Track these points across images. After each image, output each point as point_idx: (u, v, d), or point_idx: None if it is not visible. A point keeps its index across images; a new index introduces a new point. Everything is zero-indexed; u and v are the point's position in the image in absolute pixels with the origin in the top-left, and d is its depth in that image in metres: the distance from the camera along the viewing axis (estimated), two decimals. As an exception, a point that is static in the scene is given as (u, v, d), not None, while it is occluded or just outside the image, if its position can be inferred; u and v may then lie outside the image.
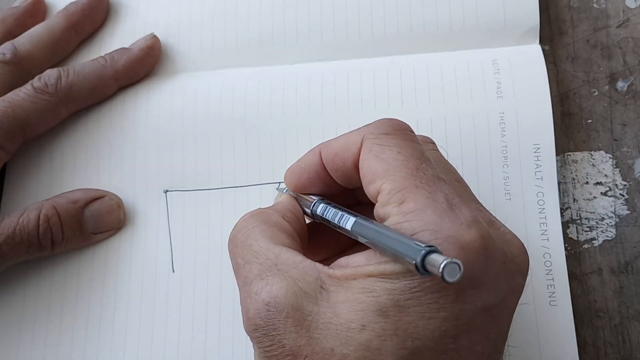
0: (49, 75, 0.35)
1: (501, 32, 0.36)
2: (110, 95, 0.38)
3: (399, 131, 0.25)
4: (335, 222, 0.25)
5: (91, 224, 0.34)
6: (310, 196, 0.28)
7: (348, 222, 0.25)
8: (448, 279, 0.19)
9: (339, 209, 0.26)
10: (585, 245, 0.33)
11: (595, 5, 0.36)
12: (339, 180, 0.27)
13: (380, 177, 0.23)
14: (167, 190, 0.36)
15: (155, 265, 0.34)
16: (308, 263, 0.23)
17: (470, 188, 0.27)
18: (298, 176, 0.28)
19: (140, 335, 0.33)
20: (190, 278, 0.34)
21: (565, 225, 0.33)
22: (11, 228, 0.32)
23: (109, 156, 0.37)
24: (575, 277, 0.32)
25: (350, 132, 0.26)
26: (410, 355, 0.21)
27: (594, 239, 0.33)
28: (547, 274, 0.31)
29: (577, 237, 0.33)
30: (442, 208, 0.22)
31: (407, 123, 0.26)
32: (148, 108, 0.37)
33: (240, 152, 0.35)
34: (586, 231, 0.33)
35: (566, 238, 0.33)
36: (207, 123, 0.36)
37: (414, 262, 0.20)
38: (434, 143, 0.28)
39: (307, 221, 0.29)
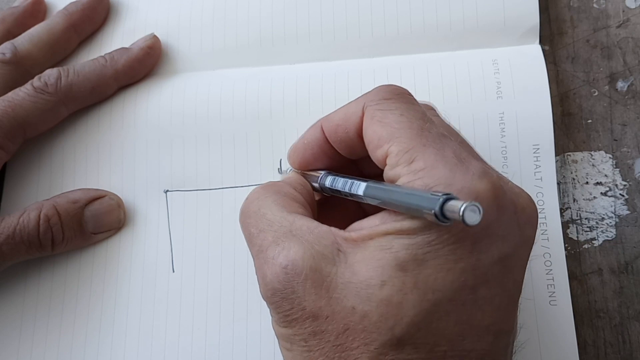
0: (49, 74, 0.35)
1: (501, 32, 0.36)
2: (110, 95, 0.38)
3: (399, 95, 0.25)
4: (346, 189, 0.25)
5: (91, 224, 0.34)
6: (316, 171, 0.28)
7: (359, 187, 0.25)
8: (469, 221, 0.19)
9: (348, 177, 0.26)
10: (586, 245, 0.33)
11: (595, 5, 0.36)
12: (343, 152, 0.27)
13: (387, 141, 0.23)
14: (167, 190, 0.36)
15: (155, 265, 0.34)
16: (323, 228, 0.23)
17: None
18: (302, 153, 0.28)
19: (140, 335, 0.33)
20: (190, 278, 0.34)
21: (565, 225, 0.33)
22: (11, 228, 0.32)
23: (109, 156, 0.37)
24: (575, 277, 0.32)
25: (349, 102, 0.26)
26: (432, 307, 0.21)
27: (594, 239, 0.33)
28: (547, 274, 0.31)
29: (577, 237, 0.33)
30: (452, 162, 0.22)
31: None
32: (148, 108, 0.37)
33: (240, 152, 0.35)
34: (586, 231, 0.33)
35: (566, 238, 0.33)
36: (207, 123, 0.36)
37: (432, 211, 0.20)
38: (434, 109, 0.28)
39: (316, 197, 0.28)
